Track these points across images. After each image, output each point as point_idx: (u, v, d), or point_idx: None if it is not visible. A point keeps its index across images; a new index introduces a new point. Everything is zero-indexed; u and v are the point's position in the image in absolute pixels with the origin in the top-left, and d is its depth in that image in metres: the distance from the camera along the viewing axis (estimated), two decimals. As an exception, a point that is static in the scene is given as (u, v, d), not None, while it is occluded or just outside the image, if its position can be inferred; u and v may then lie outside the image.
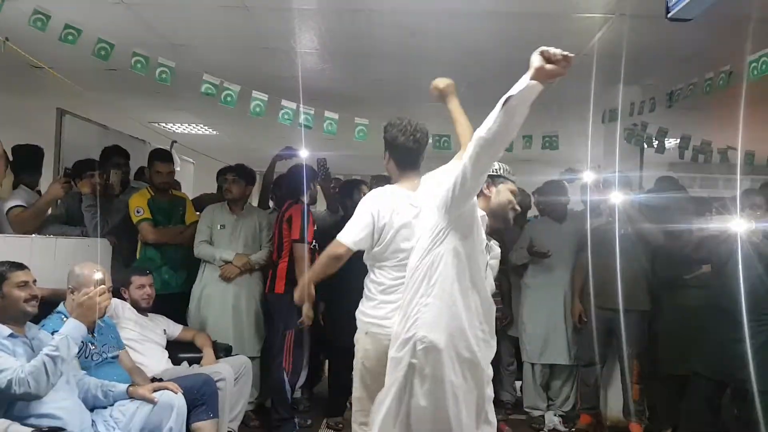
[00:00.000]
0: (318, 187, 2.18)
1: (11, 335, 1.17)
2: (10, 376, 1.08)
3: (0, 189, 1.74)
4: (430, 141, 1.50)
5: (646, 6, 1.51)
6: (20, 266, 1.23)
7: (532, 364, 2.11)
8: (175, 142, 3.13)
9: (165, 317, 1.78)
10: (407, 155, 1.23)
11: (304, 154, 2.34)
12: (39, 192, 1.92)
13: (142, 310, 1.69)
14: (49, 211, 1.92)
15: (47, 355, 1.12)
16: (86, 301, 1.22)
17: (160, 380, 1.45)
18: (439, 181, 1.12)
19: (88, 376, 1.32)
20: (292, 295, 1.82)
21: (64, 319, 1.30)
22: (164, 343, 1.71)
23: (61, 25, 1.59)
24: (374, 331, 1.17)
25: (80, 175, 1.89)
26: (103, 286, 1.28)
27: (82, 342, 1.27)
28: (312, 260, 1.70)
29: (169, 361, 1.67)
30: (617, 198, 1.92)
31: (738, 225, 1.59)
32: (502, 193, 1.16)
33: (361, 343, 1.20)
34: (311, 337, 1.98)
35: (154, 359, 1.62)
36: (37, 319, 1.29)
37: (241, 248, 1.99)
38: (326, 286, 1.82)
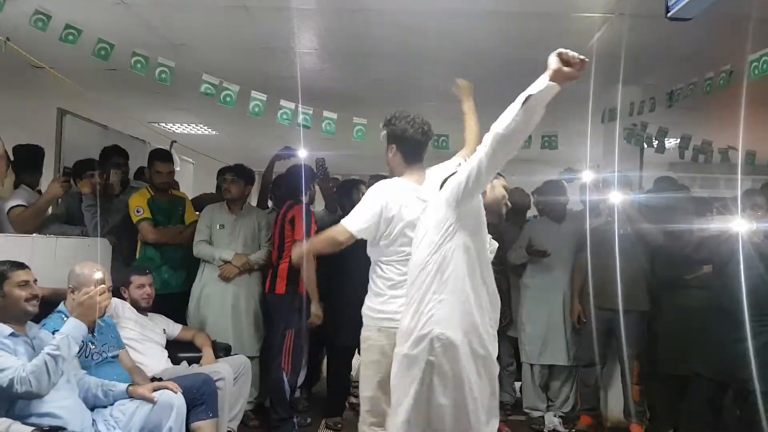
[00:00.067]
0: (317, 187, 2.18)
1: (12, 334, 1.18)
2: (11, 375, 1.09)
3: (1, 189, 1.75)
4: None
5: (646, 5, 1.51)
6: (21, 266, 1.23)
7: (531, 365, 2.11)
8: (175, 142, 3.14)
9: (165, 317, 1.78)
10: (416, 148, 1.22)
11: (302, 154, 2.34)
12: (40, 192, 1.93)
13: (141, 310, 1.69)
14: (50, 211, 1.93)
15: (48, 354, 1.13)
16: (86, 301, 1.23)
17: (160, 380, 1.45)
18: (442, 176, 1.12)
19: (88, 375, 1.32)
20: (293, 296, 1.84)
21: (65, 318, 1.30)
22: (164, 342, 1.72)
23: (62, 25, 1.60)
24: (387, 326, 1.15)
25: (80, 175, 1.90)
26: (103, 285, 1.28)
27: (83, 341, 1.28)
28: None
29: (169, 360, 1.68)
30: (616, 198, 1.92)
31: (739, 225, 1.58)
32: (496, 188, 1.17)
33: (374, 340, 1.17)
34: (310, 336, 1.97)
35: (153, 359, 1.62)
36: (37, 319, 1.30)
37: (240, 248, 1.99)
38: (324, 285, 1.84)
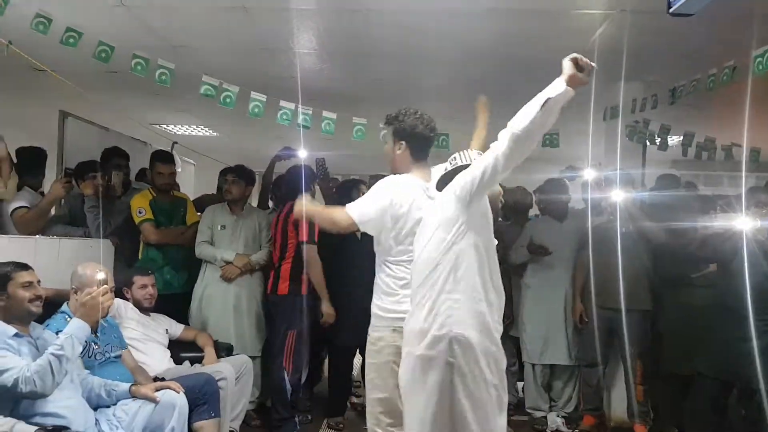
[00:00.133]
0: (317, 187, 2.19)
1: (16, 335, 1.19)
2: (16, 374, 1.10)
3: (4, 191, 1.76)
4: None
5: (647, 1, 1.49)
6: (25, 267, 1.24)
7: (533, 365, 2.10)
8: (176, 143, 3.15)
9: (167, 317, 1.79)
10: (425, 144, 1.21)
11: (302, 154, 2.34)
12: (42, 193, 1.94)
13: (144, 310, 1.70)
14: (53, 212, 1.95)
15: (52, 354, 1.14)
16: (89, 301, 1.24)
17: (162, 380, 1.46)
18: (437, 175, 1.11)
19: (91, 375, 1.33)
20: (295, 296, 1.84)
21: (68, 319, 1.31)
22: (166, 342, 1.73)
23: (63, 28, 1.61)
24: (402, 325, 1.12)
25: (82, 177, 1.91)
26: (105, 286, 1.29)
27: (86, 341, 1.29)
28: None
29: (171, 360, 1.68)
30: (618, 196, 1.91)
31: (743, 223, 1.57)
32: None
33: (388, 340, 1.15)
34: (311, 336, 1.98)
35: (156, 359, 1.63)
36: (41, 319, 1.31)
37: (242, 248, 2.00)
38: (326, 284, 1.84)
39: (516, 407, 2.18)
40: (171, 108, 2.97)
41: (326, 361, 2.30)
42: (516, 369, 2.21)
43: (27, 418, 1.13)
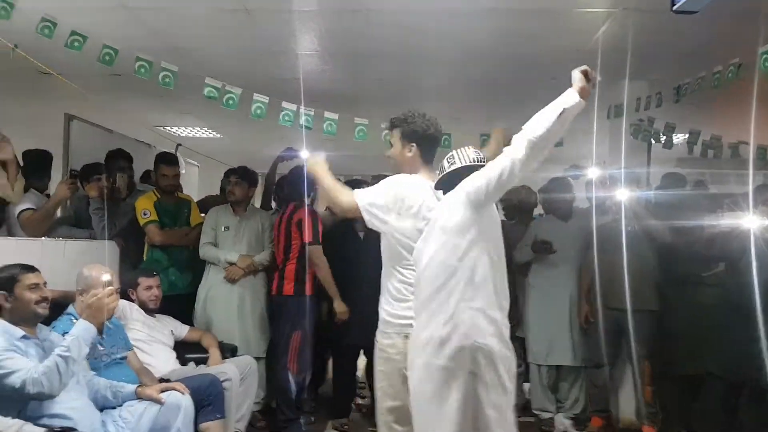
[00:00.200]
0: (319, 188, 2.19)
1: (24, 337, 1.20)
2: (24, 376, 1.11)
3: (12, 193, 1.78)
4: None
5: (651, -1, 1.49)
6: (31, 268, 1.25)
7: (539, 366, 2.09)
8: (180, 145, 3.17)
9: (172, 318, 1.80)
10: (434, 146, 1.22)
11: (305, 155, 2.34)
12: (48, 195, 1.95)
13: (149, 311, 1.71)
14: (58, 214, 1.96)
15: (59, 355, 1.14)
16: (95, 303, 1.25)
17: (168, 381, 1.47)
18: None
19: (97, 376, 1.34)
20: (300, 297, 1.83)
21: (74, 320, 1.32)
22: (172, 343, 1.73)
23: (68, 32, 1.62)
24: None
25: (87, 179, 1.93)
26: (111, 287, 1.30)
27: (92, 343, 1.29)
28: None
29: (177, 361, 1.69)
30: (623, 195, 1.89)
31: (751, 222, 1.55)
32: None
33: (399, 347, 1.11)
34: (315, 337, 1.98)
35: (161, 360, 1.64)
36: (47, 321, 1.32)
37: (245, 249, 2.01)
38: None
39: (523, 409, 2.15)
40: (174, 110, 2.99)
41: (330, 362, 2.30)
42: (522, 370, 2.18)
43: (34, 419, 1.14)
